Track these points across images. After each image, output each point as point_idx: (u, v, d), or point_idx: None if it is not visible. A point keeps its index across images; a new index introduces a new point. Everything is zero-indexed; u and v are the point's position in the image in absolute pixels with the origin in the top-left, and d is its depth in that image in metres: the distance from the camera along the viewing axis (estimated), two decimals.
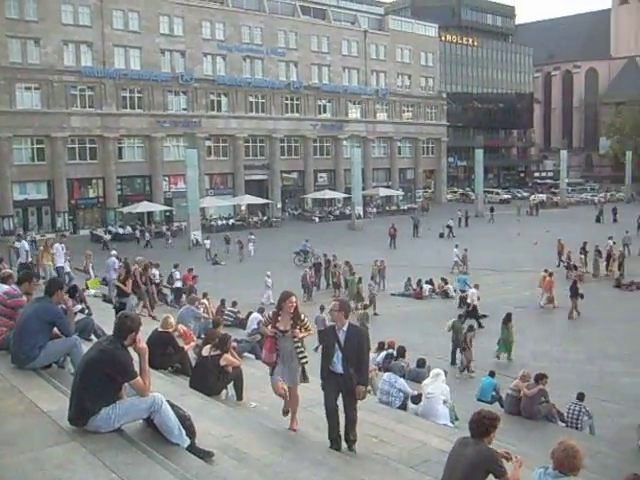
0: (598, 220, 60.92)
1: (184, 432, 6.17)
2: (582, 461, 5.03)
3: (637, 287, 31.74)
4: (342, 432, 8.09)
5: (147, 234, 50.64)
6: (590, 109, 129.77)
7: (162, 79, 59.41)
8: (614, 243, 39.05)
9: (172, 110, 60.85)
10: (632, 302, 29.14)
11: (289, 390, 8.45)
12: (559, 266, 36.58)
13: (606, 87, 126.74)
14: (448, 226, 53.08)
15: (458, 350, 20.32)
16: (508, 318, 21.41)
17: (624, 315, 27.26)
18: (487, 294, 28.75)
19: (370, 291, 28.75)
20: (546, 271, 30.00)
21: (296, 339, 8.25)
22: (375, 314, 26.88)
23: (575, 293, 27.07)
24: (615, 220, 58.30)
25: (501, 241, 48.40)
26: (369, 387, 14.02)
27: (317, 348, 10.17)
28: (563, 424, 13.70)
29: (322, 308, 22.36)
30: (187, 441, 6.18)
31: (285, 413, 8.71)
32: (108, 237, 50.15)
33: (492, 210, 65.71)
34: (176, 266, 27.99)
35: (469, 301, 25.62)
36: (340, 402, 8.07)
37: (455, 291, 30.31)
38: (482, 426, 5.51)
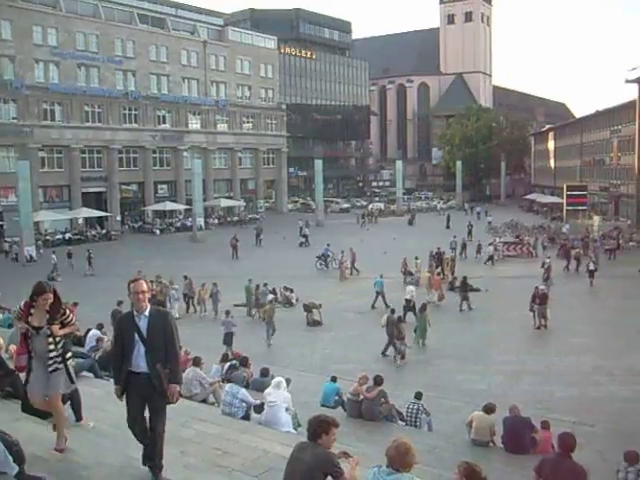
0: (410, 223, 68.80)
1: (11, 459, 5.86)
2: (415, 457, 5.20)
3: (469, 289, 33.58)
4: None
5: (15, 246, 48.34)
6: (423, 121, 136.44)
7: None
8: (495, 249, 43.78)
9: (1, 119, 57.55)
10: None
11: (49, 400, 7.27)
12: (351, 274, 38.91)
13: (437, 101, 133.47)
14: (304, 235, 54.08)
15: (395, 340, 22.06)
16: (424, 308, 24.14)
17: (457, 315, 28.78)
18: (329, 301, 29.55)
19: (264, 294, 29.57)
20: (430, 271, 33.21)
21: (51, 339, 6.98)
22: None
23: (465, 289, 29.77)
24: (448, 227, 61.47)
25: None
26: (213, 398, 14.06)
27: None
28: (403, 423, 14.18)
29: (227, 312, 23.59)
30: (15, 468, 5.88)
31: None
32: None
33: (363, 217, 70.01)
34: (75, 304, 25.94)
35: (408, 297, 27.11)
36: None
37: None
38: (318, 429, 5.61)
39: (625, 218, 62.80)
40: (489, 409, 13.07)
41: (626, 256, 44.77)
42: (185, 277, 31.46)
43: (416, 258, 37.04)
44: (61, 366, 7.12)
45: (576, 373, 20.27)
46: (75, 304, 23.44)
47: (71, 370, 7.33)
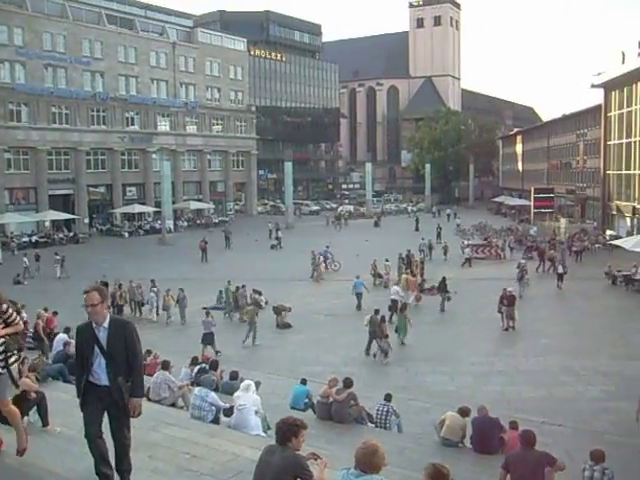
0: (376, 225, 70.21)
1: None
2: (383, 459, 5.17)
3: (438, 291, 33.65)
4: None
5: None
6: (392, 124, 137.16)
7: None
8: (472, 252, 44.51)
9: None
10: (434, 305, 30.87)
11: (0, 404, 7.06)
12: (312, 277, 38.94)
13: (406, 104, 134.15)
14: (277, 237, 53.96)
15: (376, 339, 22.59)
16: (404, 307, 25.00)
17: (426, 317, 28.92)
18: (299, 304, 29.53)
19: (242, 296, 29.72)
20: (407, 273, 33.83)
21: None
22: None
23: (444, 289, 30.40)
24: (417, 229, 61.78)
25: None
26: (182, 402, 13.97)
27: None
28: (372, 425, 14.16)
29: (208, 313, 23.98)
30: None
31: None
32: None
33: (338, 218, 70.80)
34: (55, 313, 24.71)
35: (394, 297, 27.62)
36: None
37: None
38: (287, 432, 5.59)
39: (591, 220, 63.69)
40: (464, 412, 13.15)
41: (592, 258, 45.36)
42: (152, 281, 30.73)
43: (386, 260, 37.16)
44: (4, 371, 6.85)
45: (543, 373, 20.49)
46: (55, 313, 23.14)
47: (14, 374, 7.03)
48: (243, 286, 30.28)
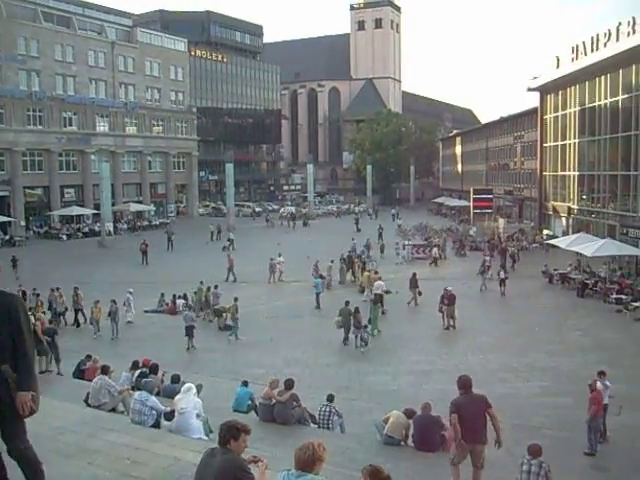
0: (305, 225, 72.81)
1: None
2: (320, 459, 5.19)
3: (410, 287, 33.64)
4: None
5: None
6: (334, 126, 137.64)
7: None
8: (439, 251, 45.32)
9: None
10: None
11: None
12: (227, 280, 37.86)
13: (347, 105, 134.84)
14: (229, 239, 53.54)
15: (351, 330, 24.03)
16: (377, 300, 26.57)
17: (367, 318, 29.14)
18: (245, 304, 29.35)
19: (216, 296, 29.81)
20: (369, 271, 34.50)
21: None
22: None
23: (415, 285, 31.20)
24: (359, 230, 62.14)
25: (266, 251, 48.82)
26: (122, 407, 13.75)
27: None
28: (315, 426, 14.18)
29: (190, 307, 25.52)
30: None
31: None
32: None
33: (293, 219, 72.46)
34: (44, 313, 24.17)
35: (379, 292, 28.46)
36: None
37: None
38: (227, 435, 5.57)
39: (528, 220, 65.03)
40: (409, 413, 13.28)
41: (529, 257, 46.35)
42: (76, 288, 28.56)
43: (332, 261, 37.28)
44: None
45: (483, 371, 20.81)
46: None
47: None
48: (216, 286, 30.27)
